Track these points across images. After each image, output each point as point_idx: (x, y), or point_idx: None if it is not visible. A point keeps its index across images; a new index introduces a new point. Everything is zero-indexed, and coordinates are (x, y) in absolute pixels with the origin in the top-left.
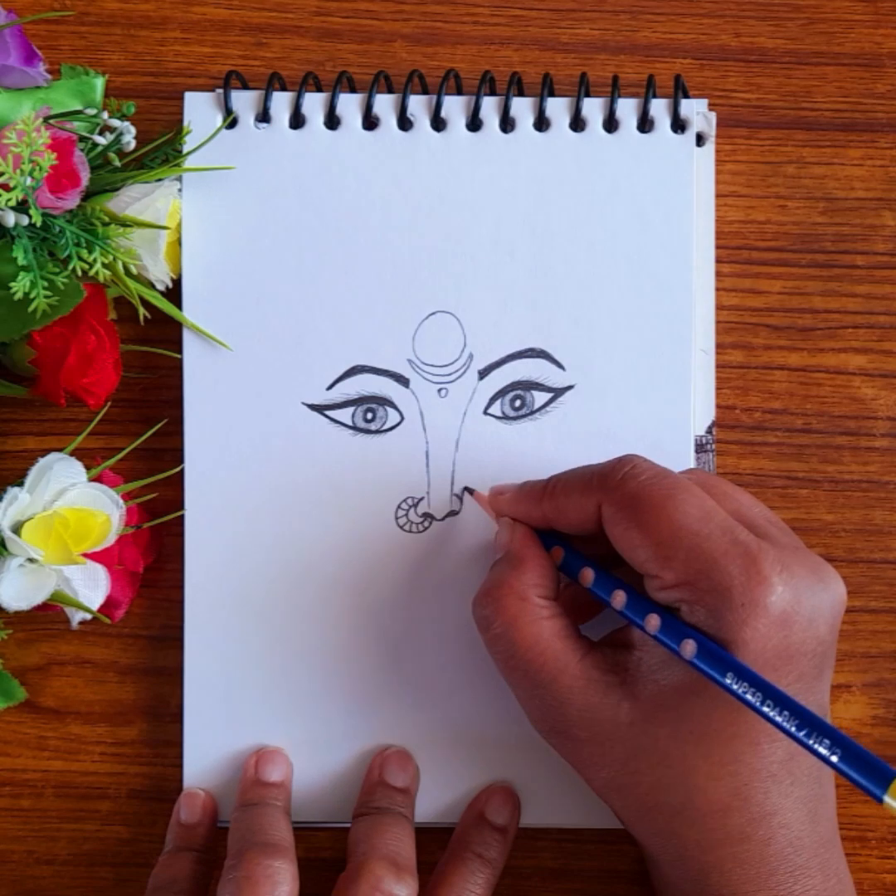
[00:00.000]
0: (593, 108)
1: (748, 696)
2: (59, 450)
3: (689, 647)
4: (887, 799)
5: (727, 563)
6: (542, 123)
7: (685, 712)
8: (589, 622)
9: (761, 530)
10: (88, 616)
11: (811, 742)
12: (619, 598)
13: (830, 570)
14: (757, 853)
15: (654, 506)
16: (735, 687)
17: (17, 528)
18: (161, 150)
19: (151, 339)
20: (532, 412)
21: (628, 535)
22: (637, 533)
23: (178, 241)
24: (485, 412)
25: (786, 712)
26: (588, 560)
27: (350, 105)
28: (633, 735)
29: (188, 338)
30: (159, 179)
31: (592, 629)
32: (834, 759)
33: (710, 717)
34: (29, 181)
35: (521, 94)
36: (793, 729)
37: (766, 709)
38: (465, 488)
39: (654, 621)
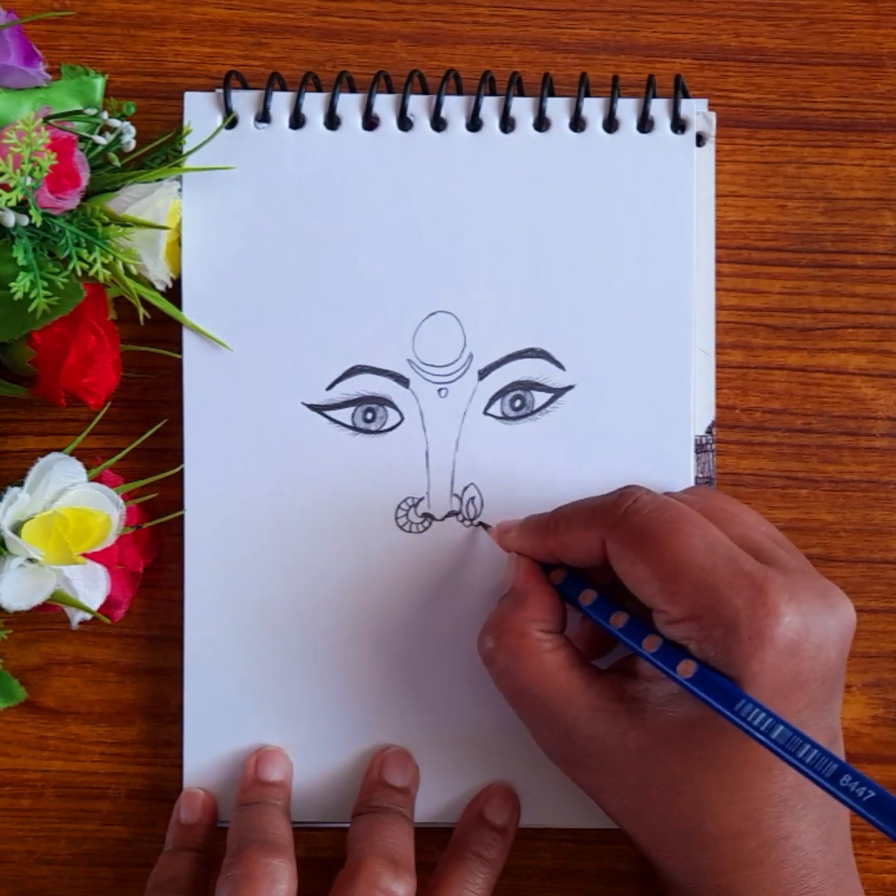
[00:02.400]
0: (593, 108)
1: (752, 730)
2: (59, 450)
3: (687, 669)
4: None
5: (732, 595)
6: (542, 123)
7: (694, 740)
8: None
9: (768, 554)
10: (88, 616)
11: (838, 785)
12: (618, 620)
13: (838, 593)
14: (771, 876)
15: (657, 540)
16: (736, 718)
17: (17, 528)
18: (161, 150)
19: (151, 339)
20: (532, 412)
21: (634, 571)
22: (643, 568)
23: (178, 241)
24: (485, 412)
25: (789, 745)
26: (589, 584)
27: (350, 105)
28: (643, 763)
29: (188, 338)
30: (159, 179)
31: (604, 664)
32: (859, 804)
33: (719, 744)
34: (29, 181)
35: (521, 94)
36: (796, 763)
37: (771, 742)
38: (480, 523)
39: (651, 642)
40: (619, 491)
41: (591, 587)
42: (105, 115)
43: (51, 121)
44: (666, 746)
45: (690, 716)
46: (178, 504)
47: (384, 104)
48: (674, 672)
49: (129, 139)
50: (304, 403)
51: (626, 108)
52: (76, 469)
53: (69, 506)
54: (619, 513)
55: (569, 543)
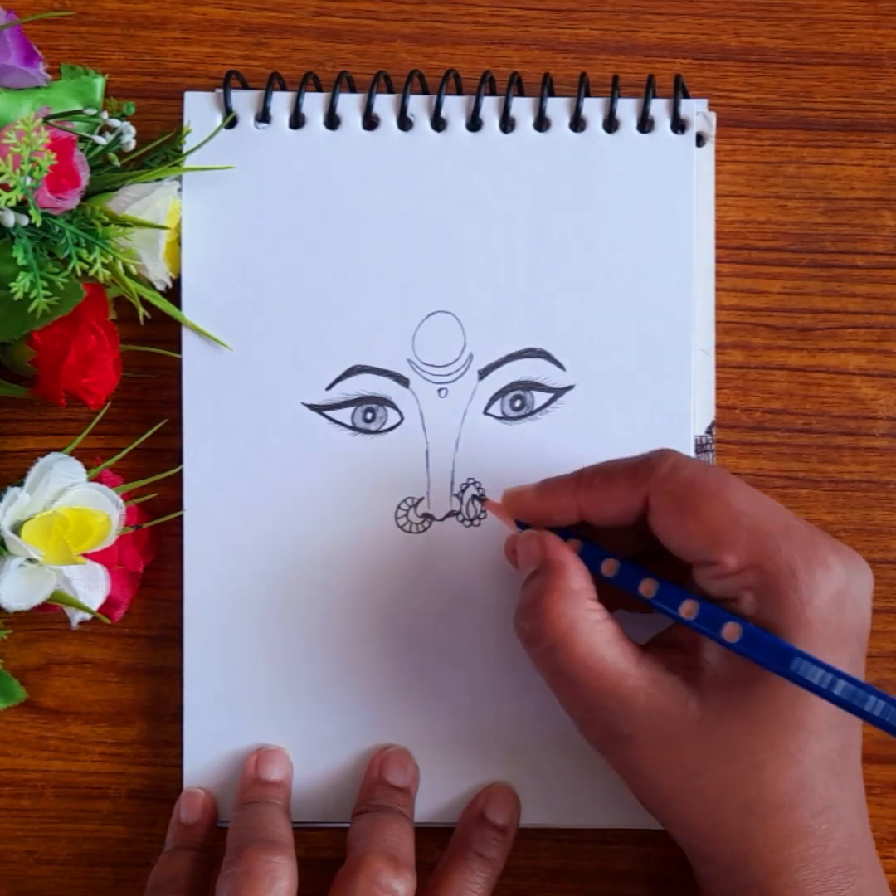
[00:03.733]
0: (593, 108)
1: (812, 686)
2: (59, 450)
3: (733, 632)
4: None
5: (789, 545)
6: (542, 123)
7: (751, 703)
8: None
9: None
10: (88, 616)
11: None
12: (648, 587)
13: (860, 556)
14: (819, 850)
15: (709, 493)
16: (794, 675)
17: (17, 528)
18: (161, 150)
19: (151, 339)
20: (532, 412)
21: (682, 524)
22: (693, 521)
23: (178, 241)
24: (485, 412)
25: (848, 688)
26: (609, 552)
27: (350, 105)
28: (703, 732)
29: (188, 338)
30: (159, 179)
31: (635, 634)
32: None
33: (777, 707)
34: (29, 181)
35: (521, 94)
36: (854, 705)
37: (835, 697)
38: (475, 497)
39: (690, 608)
40: (659, 451)
41: (610, 554)
42: (105, 115)
43: (51, 121)
44: (726, 711)
45: (745, 678)
46: (178, 504)
47: (384, 104)
48: (719, 636)
49: (129, 139)
50: (303, 403)
51: (626, 108)
52: (76, 469)
53: (69, 506)
54: (665, 469)
55: (604, 499)
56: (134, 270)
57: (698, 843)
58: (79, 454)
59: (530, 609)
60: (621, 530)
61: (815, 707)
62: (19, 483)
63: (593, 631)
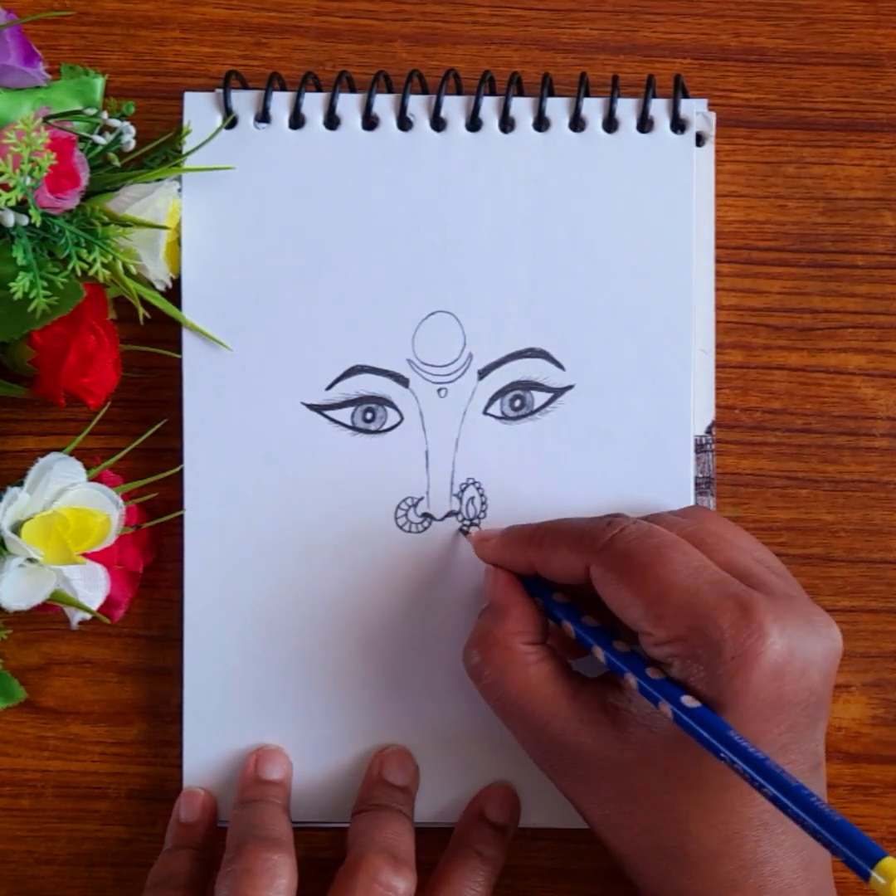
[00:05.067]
0: (593, 108)
1: (735, 764)
2: (59, 450)
3: (665, 710)
4: (874, 875)
5: (718, 616)
6: (541, 123)
7: (676, 759)
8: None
9: (755, 579)
10: (88, 616)
11: (802, 820)
12: (598, 654)
13: (825, 617)
14: None
15: (642, 565)
16: (721, 754)
17: (16, 528)
18: (161, 150)
19: (151, 339)
20: (532, 412)
21: (619, 595)
22: (627, 592)
23: (178, 241)
24: (484, 412)
25: (761, 777)
26: (569, 614)
27: (350, 105)
28: (626, 777)
29: (188, 338)
30: (159, 179)
31: (587, 665)
32: (824, 836)
33: (702, 765)
34: (28, 181)
35: (520, 94)
36: (787, 806)
37: (753, 776)
38: (460, 529)
39: (630, 681)
40: (607, 517)
41: (570, 618)
42: (105, 115)
43: (51, 121)
44: (648, 762)
45: (673, 733)
46: (178, 504)
47: (384, 104)
48: (625, 678)
49: (129, 139)
50: (303, 403)
51: (626, 108)
52: (76, 469)
53: (69, 506)
54: (605, 539)
55: (551, 560)
56: (134, 270)
57: (630, 876)
58: (79, 454)
59: (474, 645)
60: (591, 585)
61: None
62: (19, 483)
63: (526, 672)
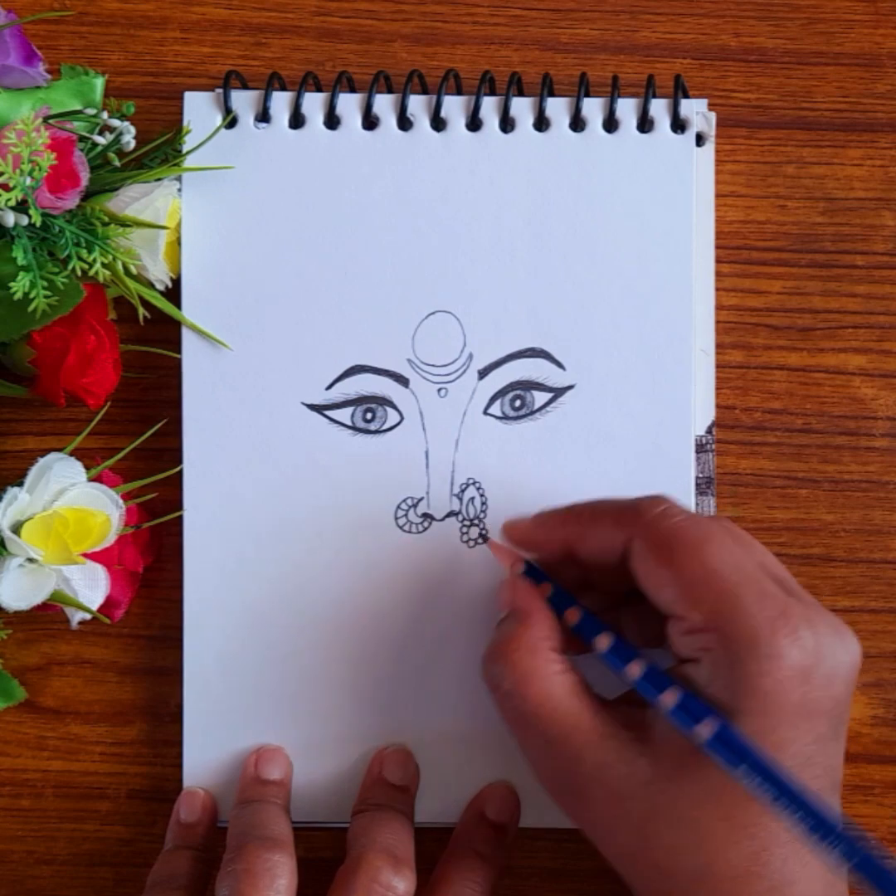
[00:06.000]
0: (593, 108)
1: (762, 789)
2: (59, 450)
3: (705, 731)
4: None
5: (757, 611)
6: (541, 123)
7: (704, 772)
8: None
9: (786, 584)
10: (88, 616)
11: (825, 846)
12: (634, 670)
13: (849, 629)
14: None
15: (688, 546)
16: (748, 779)
17: (16, 528)
18: (161, 149)
19: (151, 339)
20: (532, 412)
21: (658, 573)
22: (668, 571)
23: (178, 241)
24: (485, 412)
25: (800, 812)
26: (605, 625)
27: (350, 105)
28: (650, 794)
29: (187, 338)
30: (159, 179)
31: (607, 689)
32: (849, 864)
33: (727, 778)
34: (29, 181)
35: (520, 94)
36: (806, 829)
37: (780, 803)
38: (480, 535)
39: (635, 668)
40: (649, 496)
41: (606, 628)
42: (105, 115)
43: (51, 121)
44: (675, 777)
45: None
46: (178, 504)
47: (384, 104)
48: (657, 701)
49: (129, 139)
50: (303, 403)
51: (626, 108)
52: (76, 469)
53: (69, 506)
54: (653, 514)
55: (590, 536)
56: (134, 270)
57: None
58: (79, 454)
59: (495, 653)
60: (611, 568)
61: None
62: (19, 483)
63: (551, 681)
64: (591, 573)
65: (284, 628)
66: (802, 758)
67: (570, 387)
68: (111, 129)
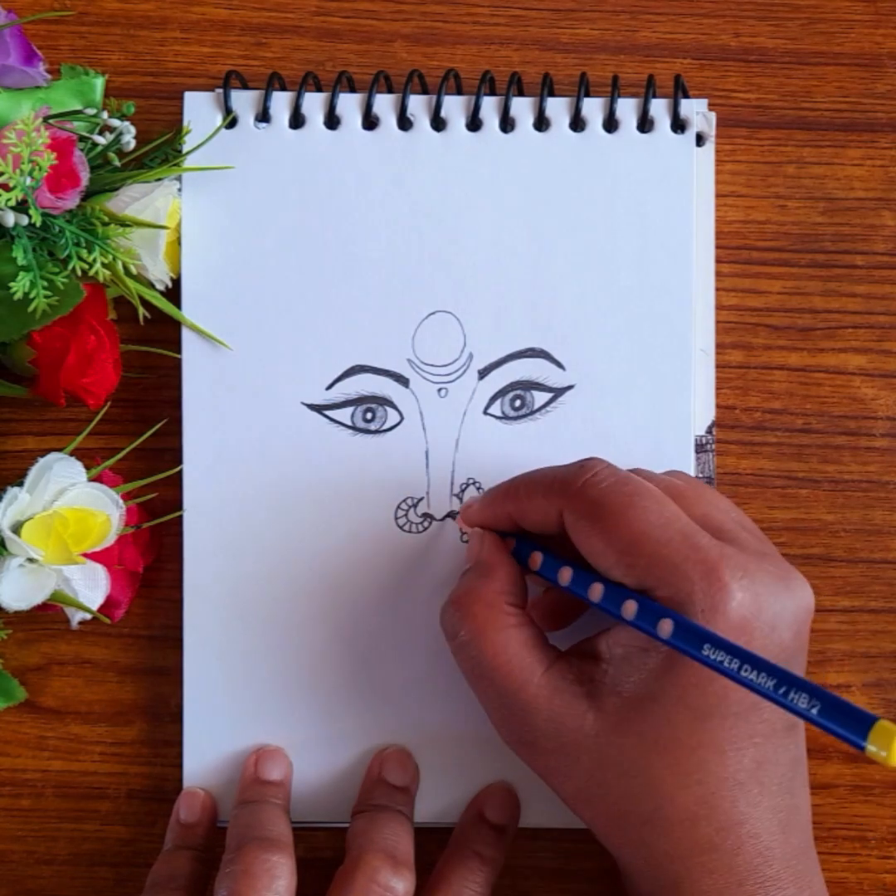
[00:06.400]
0: (593, 108)
1: (725, 665)
2: (59, 450)
3: (666, 627)
4: (868, 746)
5: (687, 568)
6: (541, 123)
7: (649, 722)
8: (559, 631)
9: (729, 535)
10: (88, 616)
11: (790, 699)
12: (596, 591)
13: (797, 575)
14: (725, 863)
15: (614, 512)
16: (712, 656)
17: (17, 528)
18: (161, 149)
19: (151, 339)
20: (532, 412)
21: (590, 542)
22: (599, 539)
23: (178, 241)
24: (485, 412)
25: (761, 673)
26: (565, 560)
27: (350, 105)
28: (599, 745)
29: (187, 338)
30: (159, 179)
31: (560, 639)
32: (814, 712)
33: (675, 727)
34: (29, 181)
35: (521, 94)
36: (770, 688)
37: (743, 673)
38: (449, 513)
39: (630, 607)
40: (580, 462)
41: (566, 562)
42: (105, 114)
43: (51, 121)
44: (622, 728)
45: (645, 696)
46: (178, 504)
47: (384, 104)
48: (619, 614)
49: (129, 139)
50: (303, 403)
51: (626, 108)
52: (76, 469)
53: (69, 506)
54: (578, 484)
55: (527, 509)
56: (134, 270)
57: (607, 846)
58: (79, 454)
59: (454, 603)
60: (561, 536)
61: (714, 727)
62: (19, 483)
63: (506, 634)
64: (552, 542)
65: (284, 628)
66: (747, 703)
67: (570, 387)
68: (111, 129)
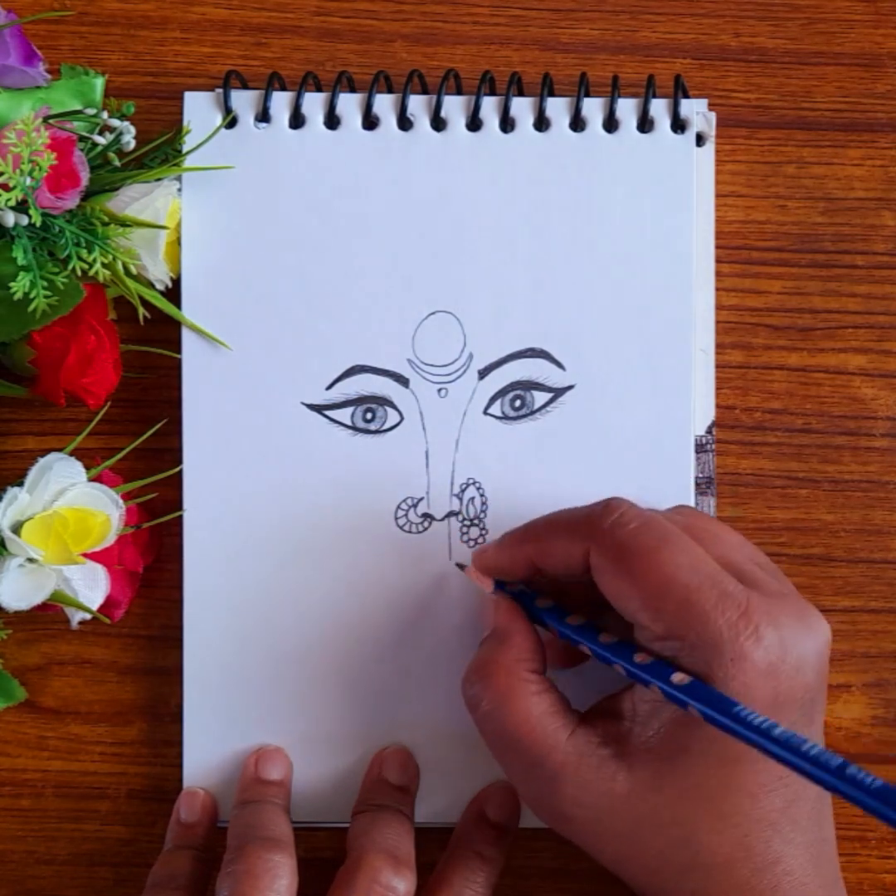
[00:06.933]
0: (593, 108)
1: (751, 735)
2: (59, 450)
3: (682, 679)
4: None
5: (716, 616)
6: (541, 123)
7: (680, 773)
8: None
9: (749, 576)
10: (88, 616)
11: (813, 771)
12: (641, 658)
13: (814, 612)
14: None
15: (643, 556)
16: (735, 726)
17: (16, 528)
18: (161, 149)
19: (151, 339)
20: (532, 412)
21: (617, 585)
22: (626, 583)
23: (178, 241)
24: (485, 412)
25: (784, 747)
26: (558, 616)
27: (350, 105)
28: (632, 805)
29: (187, 338)
30: (159, 179)
31: (581, 700)
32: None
33: (707, 775)
34: (29, 181)
35: (521, 94)
36: (795, 761)
37: (769, 745)
38: (457, 564)
39: (680, 678)
40: (604, 502)
41: (565, 607)
42: (105, 114)
43: (51, 121)
44: (655, 783)
45: (676, 749)
46: (178, 504)
47: (384, 104)
48: (664, 684)
49: (129, 139)
50: (303, 403)
51: (626, 108)
52: (76, 469)
53: (69, 506)
54: (605, 525)
55: (549, 551)
56: (134, 270)
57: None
58: (79, 454)
59: (475, 673)
60: (582, 578)
61: (744, 772)
62: (19, 483)
63: (528, 702)
64: (568, 586)
65: (284, 628)
66: None
67: (570, 387)
68: (111, 129)
